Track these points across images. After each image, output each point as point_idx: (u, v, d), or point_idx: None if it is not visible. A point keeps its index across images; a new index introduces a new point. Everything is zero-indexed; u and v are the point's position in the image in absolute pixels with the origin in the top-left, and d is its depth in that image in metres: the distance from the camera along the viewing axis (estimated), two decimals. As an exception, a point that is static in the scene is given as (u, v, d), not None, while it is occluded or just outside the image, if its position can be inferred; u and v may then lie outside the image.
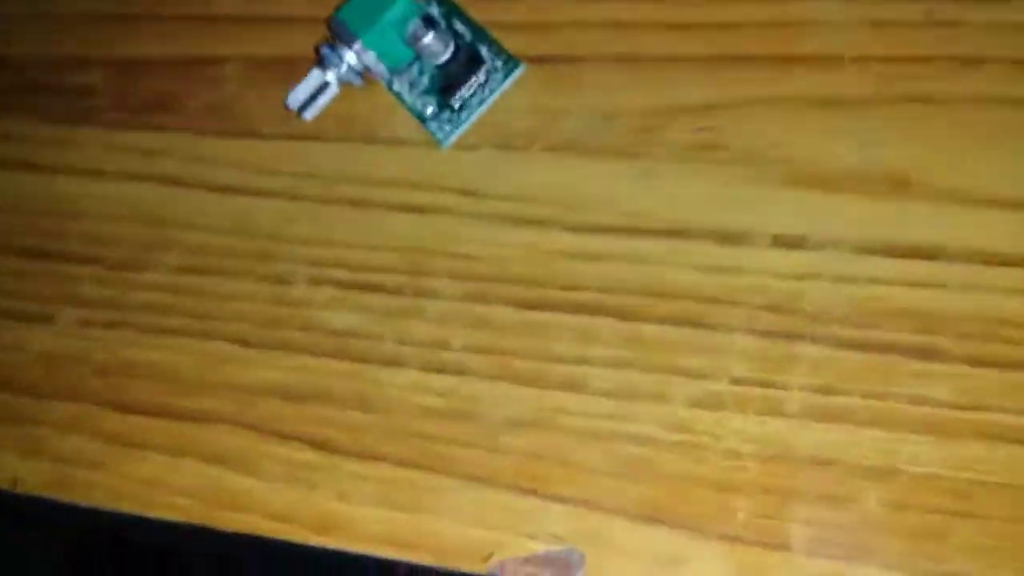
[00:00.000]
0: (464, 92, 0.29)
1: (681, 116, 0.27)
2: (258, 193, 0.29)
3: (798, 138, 0.26)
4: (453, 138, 0.29)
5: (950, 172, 0.25)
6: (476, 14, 0.29)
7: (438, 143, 0.29)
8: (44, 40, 0.33)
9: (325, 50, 0.29)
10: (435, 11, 0.29)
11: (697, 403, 0.24)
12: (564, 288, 0.26)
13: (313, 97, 0.30)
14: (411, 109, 0.30)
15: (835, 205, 0.25)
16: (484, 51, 0.29)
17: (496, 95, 0.29)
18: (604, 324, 0.25)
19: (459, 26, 0.29)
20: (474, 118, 0.29)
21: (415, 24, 0.29)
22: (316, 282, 0.28)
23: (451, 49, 0.29)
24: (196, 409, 0.27)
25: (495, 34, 0.29)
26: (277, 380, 0.27)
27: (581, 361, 0.25)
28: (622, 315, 0.25)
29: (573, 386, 0.25)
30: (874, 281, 0.24)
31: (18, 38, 0.33)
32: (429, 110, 0.29)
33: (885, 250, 0.24)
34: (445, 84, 0.29)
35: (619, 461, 0.24)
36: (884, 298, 0.24)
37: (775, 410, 0.23)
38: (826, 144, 0.26)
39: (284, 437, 0.26)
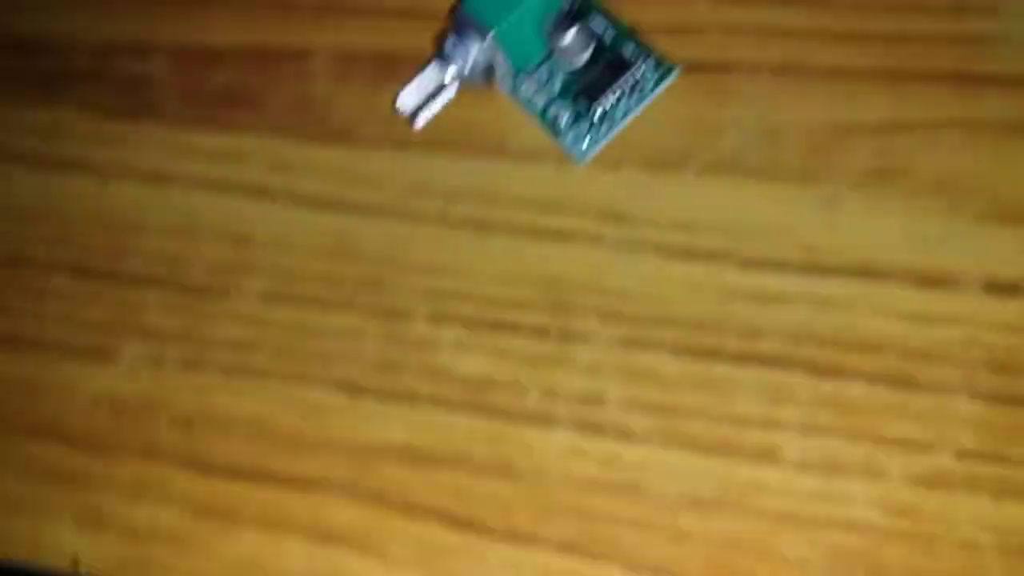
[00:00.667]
0: (606, 100, 0.25)
1: (858, 136, 0.23)
2: (360, 210, 0.25)
3: (996, 168, 0.23)
4: (592, 154, 0.25)
5: None
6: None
7: (574, 159, 0.25)
8: (96, 20, 0.28)
9: (450, 44, 0.25)
10: (572, 5, 0.25)
11: (920, 480, 0.20)
12: (742, 335, 0.22)
13: (428, 100, 0.25)
14: (540, 117, 0.26)
15: (1056, 246, 0.22)
16: (629, 53, 0.25)
17: (644, 105, 0.25)
18: (795, 381, 0.21)
19: (600, 23, 0.25)
20: (616, 131, 0.25)
21: (555, 18, 0.25)
22: (438, 319, 0.23)
23: (590, 50, 0.25)
24: (301, 473, 0.22)
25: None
26: (399, 438, 0.22)
27: (772, 425, 0.21)
28: (816, 370, 0.22)
29: (765, 457, 0.21)
30: (1122, 337, 0.21)
31: (67, 16, 0.28)
32: (563, 120, 0.25)
33: None
34: (582, 90, 0.25)
35: (833, 552, 0.20)
36: None
37: (1015, 492, 0.20)
38: (1032, 175, 0.22)
39: (414, 511, 0.21)
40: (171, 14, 0.28)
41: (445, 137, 0.25)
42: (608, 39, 0.25)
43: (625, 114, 0.25)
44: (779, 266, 0.23)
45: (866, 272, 0.22)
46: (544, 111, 0.26)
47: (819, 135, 0.24)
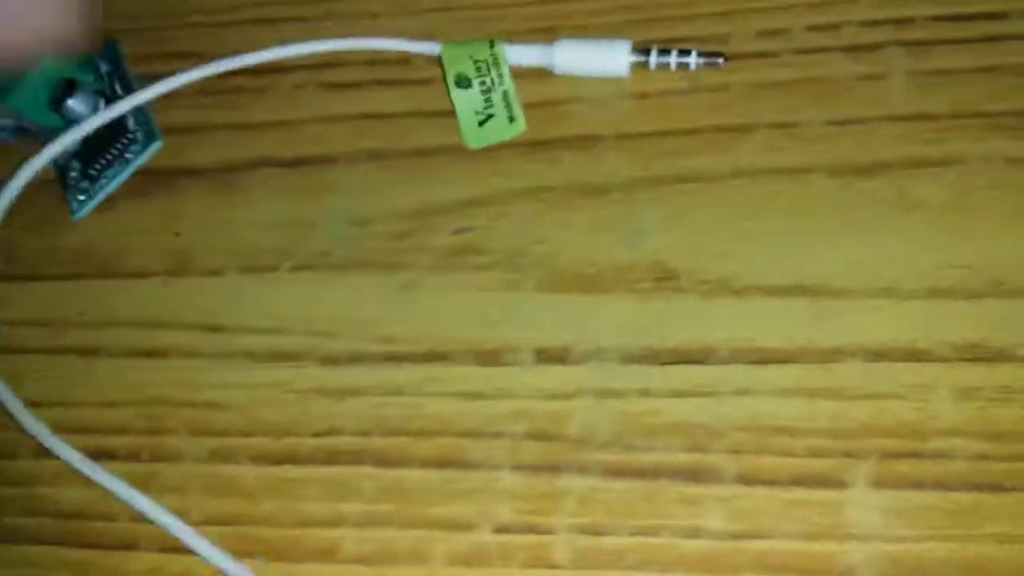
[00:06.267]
0: (102, 160, 0.29)
1: (439, 216, 0.26)
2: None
3: (561, 233, 0.25)
4: (86, 210, 0.29)
5: (718, 259, 0.24)
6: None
7: (71, 213, 0.28)
8: None
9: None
10: (103, 68, 0.29)
11: (458, 560, 0.22)
12: (318, 434, 0.25)
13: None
14: (59, 173, 0.29)
15: (599, 307, 0.24)
16: (131, 120, 0.29)
17: (132, 168, 0.28)
18: (362, 474, 0.24)
19: (119, 90, 0.29)
20: (110, 190, 0.28)
21: (58, 86, 0.28)
22: (40, 455, 0.26)
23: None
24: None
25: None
26: (-4, 576, 0.25)
27: (335, 523, 0.24)
28: (381, 461, 0.24)
29: (325, 555, 0.23)
30: (642, 394, 0.23)
31: None
32: (72, 175, 0.29)
33: (652, 356, 0.23)
34: (89, 150, 0.29)
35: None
36: (652, 412, 0.22)
37: (542, 560, 0.22)
38: (589, 237, 0.25)
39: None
40: None
41: (57, 263, 0.28)
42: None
43: (116, 175, 0.29)
44: (357, 359, 0.25)
45: (434, 356, 0.25)
46: (64, 167, 0.29)
47: (404, 220, 0.26)
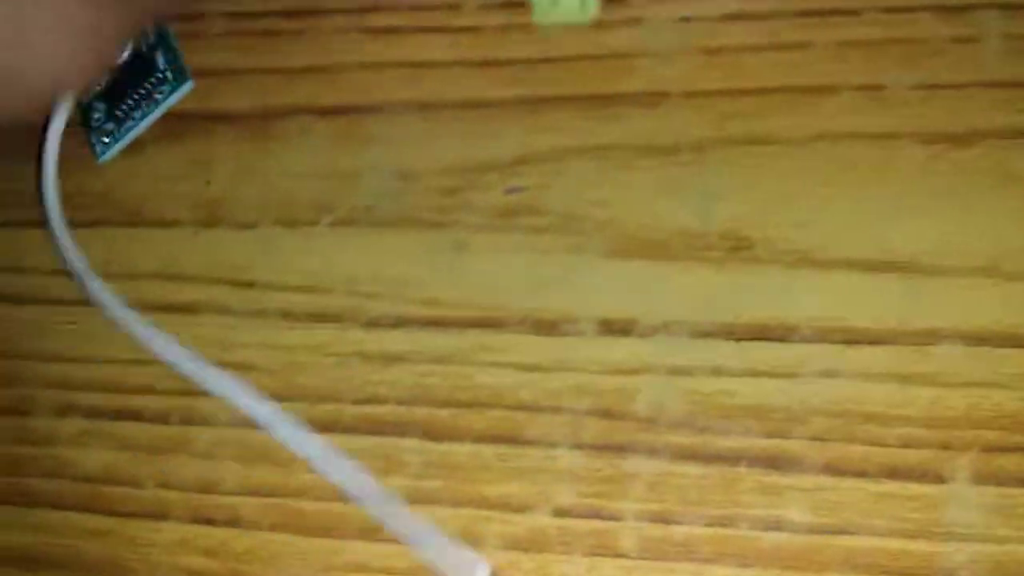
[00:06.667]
0: (129, 101, 0.26)
1: (490, 173, 0.24)
2: (9, 299, 0.26)
3: (624, 194, 0.23)
4: (111, 153, 0.26)
5: (798, 228, 0.22)
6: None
7: (95, 156, 0.26)
8: None
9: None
10: None
11: (514, 543, 0.21)
12: (359, 402, 0.23)
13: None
14: (82, 113, 0.27)
15: (667, 276, 0.22)
16: (160, 59, 0.26)
17: (162, 110, 0.26)
18: (408, 447, 0.22)
19: (147, 28, 0.27)
20: (137, 132, 0.26)
21: None
22: (62, 412, 0.24)
23: (128, 51, 0.26)
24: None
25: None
26: (15, 543, 0.23)
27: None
28: (429, 434, 0.22)
29: (369, 532, 0.22)
30: (716, 372, 0.21)
31: None
32: (96, 116, 0.27)
33: (726, 332, 0.21)
34: (115, 90, 0.27)
35: (422, 626, 0.21)
36: (727, 393, 0.21)
37: (608, 548, 0.20)
38: (656, 200, 0.23)
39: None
40: None
41: (77, 210, 0.26)
42: (147, 42, 0.27)
43: (144, 117, 0.26)
44: (403, 323, 0.23)
45: (486, 322, 0.23)
46: (87, 106, 0.27)
47: (452, 175, 0.24)
